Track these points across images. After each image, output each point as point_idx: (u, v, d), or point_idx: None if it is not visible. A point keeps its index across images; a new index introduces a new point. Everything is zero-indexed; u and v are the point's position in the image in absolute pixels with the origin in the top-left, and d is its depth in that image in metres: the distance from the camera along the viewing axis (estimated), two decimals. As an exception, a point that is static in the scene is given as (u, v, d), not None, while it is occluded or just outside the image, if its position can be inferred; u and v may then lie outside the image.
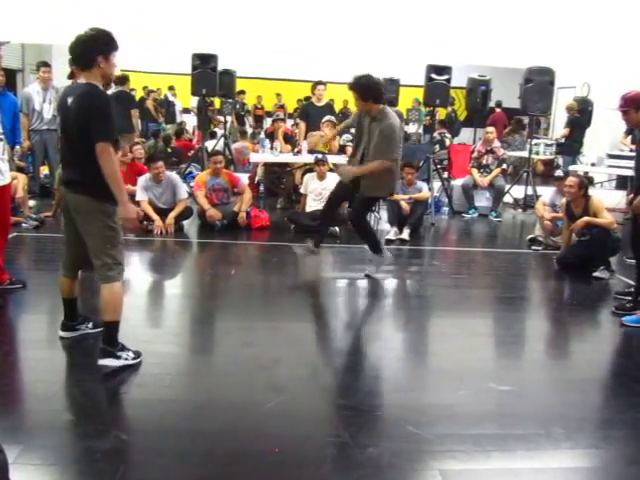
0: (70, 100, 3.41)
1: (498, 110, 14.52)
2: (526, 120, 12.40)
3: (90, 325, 3.93)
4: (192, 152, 10.97)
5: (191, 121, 15.67)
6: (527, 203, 9.31)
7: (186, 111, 16.03)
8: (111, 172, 3.30)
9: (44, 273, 5.29)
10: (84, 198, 3.41)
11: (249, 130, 14.90)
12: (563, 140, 11.61)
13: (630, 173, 9.58)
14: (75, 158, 3.46)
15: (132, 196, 7.31)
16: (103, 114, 3.35)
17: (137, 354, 3.57)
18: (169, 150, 10.97)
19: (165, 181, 7.20)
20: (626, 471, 2.86)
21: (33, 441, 2.79)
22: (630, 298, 4.97)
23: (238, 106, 15.13)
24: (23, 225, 6.78)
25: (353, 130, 6.31)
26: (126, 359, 3.50)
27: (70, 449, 2.79)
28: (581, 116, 11.51)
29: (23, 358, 3.78)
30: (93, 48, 3.36)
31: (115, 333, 3.50)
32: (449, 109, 14.01)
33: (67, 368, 3.64)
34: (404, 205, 7.29)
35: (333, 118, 8.54)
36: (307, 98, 13.37)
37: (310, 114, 8.81)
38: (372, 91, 5.20)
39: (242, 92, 15.33)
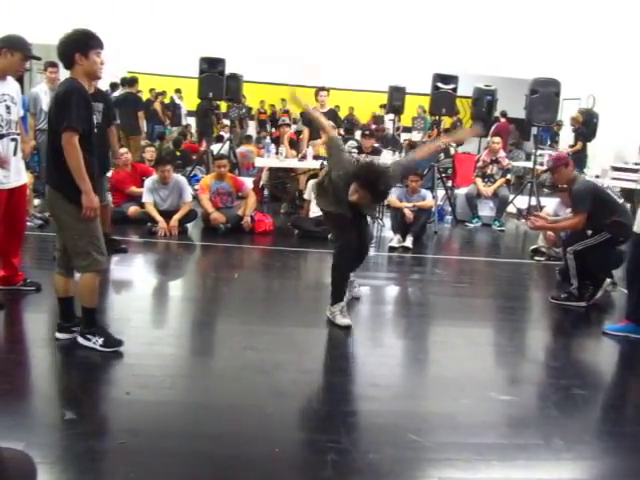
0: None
1: (503, 120, 14.54)
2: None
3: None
4: (197, 155, 11.00)
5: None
6: (531, 213, 9.31)
7: (191, 114, 16.05)
8: (75, 165, 3.42)
9: (48, 272, 5.27)
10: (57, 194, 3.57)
11: (253, 134, 14.89)
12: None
13: (634, 186, 9.61)
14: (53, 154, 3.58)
15: (137, 198, 7.35)
16: (63, 102, 3.46)
17: (112, 344, 3.68)
18: (178, 153, 10.98)
19: (172, 184, 7.23)
20: (626, 483, 2.86)
21: (34, 439, 2.79)
22: None
23: (244, 110, 15.12)
24: (28, 224, 6.78)
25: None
26: (94, 343, 3.65)
27: (71, 448, 2.79)
28: (586, 128, 11.51)
29: (25, 357, 3.78)
30: (70, 47, 3.52)
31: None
32: (454, 118, 14.03)
33: (69, 367, 3.65)
34: (407, 213, 7.31)
35: (331, 123, 8.53)
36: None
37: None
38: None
39: (242, 96, 15.29)
